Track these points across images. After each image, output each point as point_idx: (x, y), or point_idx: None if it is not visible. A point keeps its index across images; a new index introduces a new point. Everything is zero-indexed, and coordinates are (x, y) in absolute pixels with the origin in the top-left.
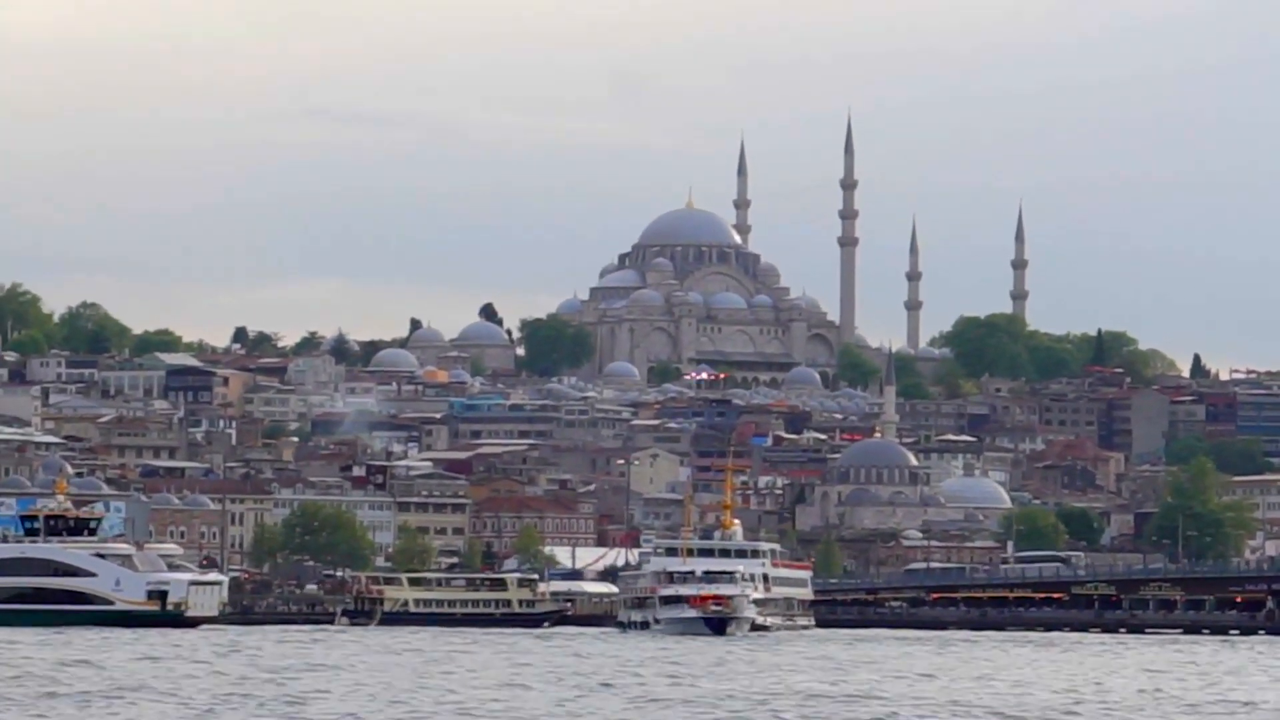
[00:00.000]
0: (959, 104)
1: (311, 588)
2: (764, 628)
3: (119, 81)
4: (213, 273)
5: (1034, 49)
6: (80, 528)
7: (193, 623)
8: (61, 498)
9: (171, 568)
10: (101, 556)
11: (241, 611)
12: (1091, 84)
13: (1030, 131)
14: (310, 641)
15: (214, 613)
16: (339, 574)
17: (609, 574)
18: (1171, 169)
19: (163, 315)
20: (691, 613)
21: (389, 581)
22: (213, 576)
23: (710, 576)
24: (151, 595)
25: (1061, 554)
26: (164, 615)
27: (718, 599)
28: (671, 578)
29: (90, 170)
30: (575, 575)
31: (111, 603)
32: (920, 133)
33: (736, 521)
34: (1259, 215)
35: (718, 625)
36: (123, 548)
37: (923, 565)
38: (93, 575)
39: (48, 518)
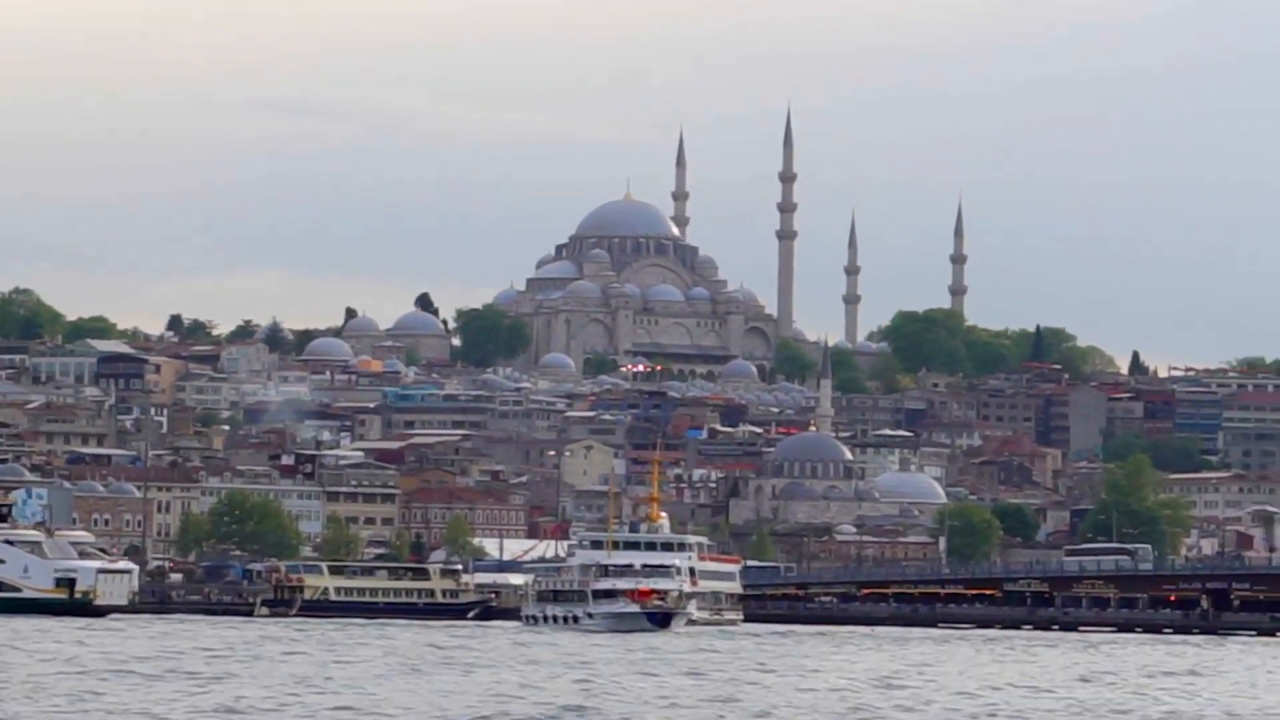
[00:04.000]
0: (899, 99)
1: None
2: (692, 621)
3: (57, 70)
4: (149, 261)
5: (975, 46)
6: None
7: (101, 612)
8: None
9: (83, 555)
10: (10, 543)
11: (159, 601)
12: (1032, 82)
13: (970, 128)
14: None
15: (123, 601)
16: (257, 564)
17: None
18: (1111, 167)
19: (97, 302)
20: (632, 607)
21: (309, 570)
22: (122, 565)
23: (647, 570)
24: (59, 583)
25: (1129, 546)
26: (71, 603)
27: (659, 593)
28: (606, 571)
29: (25, 157)
30: (505, 566)
31: (19, 590)
32: (860, 127)
33: (663, 514)
34: (1199, 215)
35: (661, 620)
36: (32, 534)
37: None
38: (0, 561)
39: None
